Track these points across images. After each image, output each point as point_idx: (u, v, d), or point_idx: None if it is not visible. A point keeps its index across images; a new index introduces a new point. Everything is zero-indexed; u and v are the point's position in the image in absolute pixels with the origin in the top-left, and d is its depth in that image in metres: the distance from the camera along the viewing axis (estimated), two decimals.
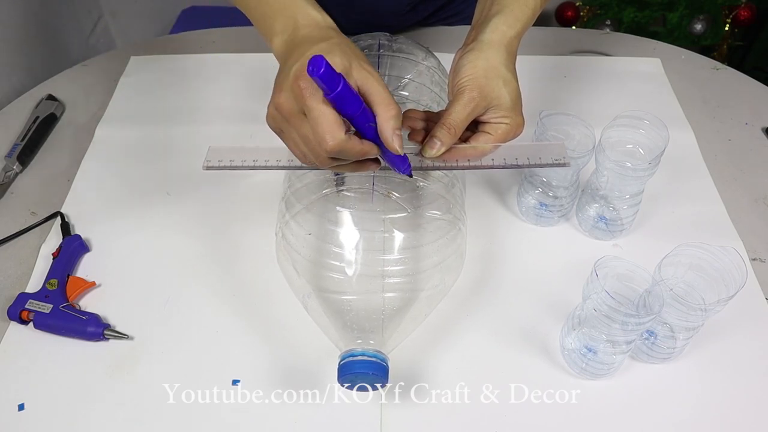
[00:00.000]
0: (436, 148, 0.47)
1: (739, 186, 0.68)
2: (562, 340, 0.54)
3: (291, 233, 0.52)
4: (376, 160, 0.46)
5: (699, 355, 0.54)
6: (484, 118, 0.49)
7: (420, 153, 0.49)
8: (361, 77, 0.42)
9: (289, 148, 0.45)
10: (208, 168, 0.50)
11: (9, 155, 0.71)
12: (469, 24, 0.55)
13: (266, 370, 0.53)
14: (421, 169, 0.50)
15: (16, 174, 0.70)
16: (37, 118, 0.75)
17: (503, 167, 0.50)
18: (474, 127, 0.50)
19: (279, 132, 0.45)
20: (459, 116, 0.47)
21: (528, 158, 0.51)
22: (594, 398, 0.51)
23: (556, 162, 0.51)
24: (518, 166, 0.51)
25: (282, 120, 0.43)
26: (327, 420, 0.50)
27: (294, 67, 0.42)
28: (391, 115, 0.41)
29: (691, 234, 0.62)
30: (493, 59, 0.48)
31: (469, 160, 0.49)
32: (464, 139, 0.50)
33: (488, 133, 0.49)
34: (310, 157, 0.43)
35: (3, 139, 0.74)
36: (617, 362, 0.51)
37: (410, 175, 0.49)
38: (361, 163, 0.45)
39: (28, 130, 0.74)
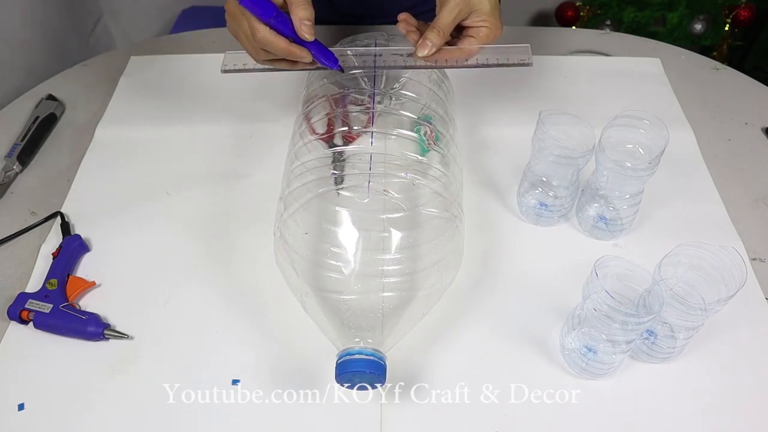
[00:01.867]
0: (427, 48, 0.55)
1: (739, 186, 0.68)
2: (562, 339, 0.54)
3: (289, 233, 0.52)
4: (311, 62, 0.53)
5: (699, 354, 0.54)
6: (467, 22, 0.56)
7: (414, 54, 0.56)
8: None
9: (242, 46, 0.54)
10: (226, 71, 0.55)
11: (9, 155, 0.71)
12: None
13: (266, 370, 0.53)
14: (415, 67, 0.56)
15: (16, 174, 0.70)
16: (37, 118, 0.75)
17: (476, 66, 0.56)
18: (458, 34, 0.57)
19: (235, 34, 0.54)
20: (446, 20, 0.54)
21: (497, 58, 0.56)
22: (594, 398, 0.51)
23: (522, 62, 0.56)
24: (487, 65, 0.56)
25: (231, 21, 0.53)
26: (327, 420, 0.50)
27: None
28: (300, 9, 0.50)
29: (691, 234, 0.62)
30: None
31: (456, 61, 0.56)
32: (451, 44, 0.57)
33: (472, 36, 0.56)
34: (251, 50, 0.53)
35: (3, 139, 0.74)
36: (617, 362, 0.51)
37: (342, 70, 0.55)
38: (293, 62, 0.54)
39: (28, 130, 0.74)
